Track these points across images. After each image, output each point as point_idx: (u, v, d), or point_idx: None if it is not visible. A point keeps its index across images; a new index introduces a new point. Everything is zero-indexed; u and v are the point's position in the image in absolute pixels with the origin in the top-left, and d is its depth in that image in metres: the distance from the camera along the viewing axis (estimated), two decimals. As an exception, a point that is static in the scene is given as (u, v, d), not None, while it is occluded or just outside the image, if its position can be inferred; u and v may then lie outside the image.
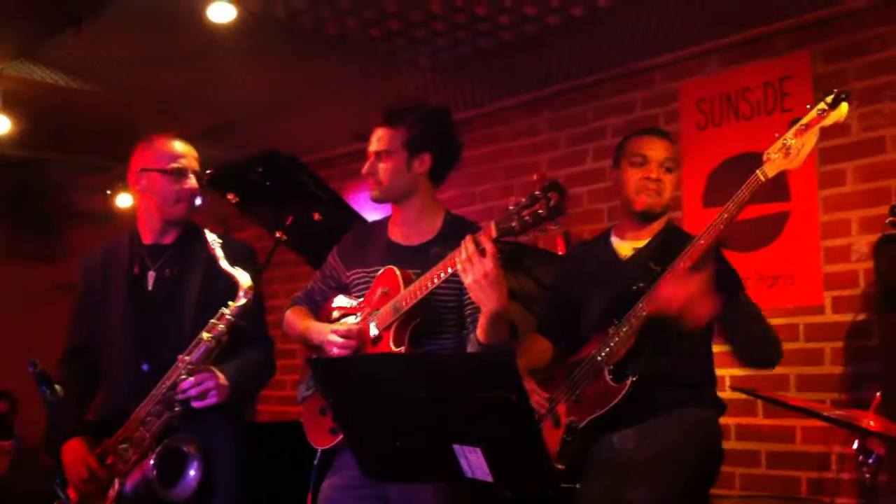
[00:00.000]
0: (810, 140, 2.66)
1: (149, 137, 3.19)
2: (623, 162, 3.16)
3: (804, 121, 2.67)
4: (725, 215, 2.77)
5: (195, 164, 3.16)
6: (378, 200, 3.01)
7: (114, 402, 3.08)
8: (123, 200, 6.59)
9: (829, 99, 2.64)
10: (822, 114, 2.65)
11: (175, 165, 3.10)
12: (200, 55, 4.78)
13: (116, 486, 2.90)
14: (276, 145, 4.63)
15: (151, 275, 3.13)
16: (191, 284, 3.09)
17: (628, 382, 2.90)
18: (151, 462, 2.86)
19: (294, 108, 5.72)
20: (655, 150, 3.10)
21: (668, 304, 2.78)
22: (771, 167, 2.71)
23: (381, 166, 2.94)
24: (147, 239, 3.17)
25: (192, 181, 3.12)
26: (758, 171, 2.72)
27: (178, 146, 3.15)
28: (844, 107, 2.63)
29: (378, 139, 2.95)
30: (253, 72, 5.10)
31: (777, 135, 2.70)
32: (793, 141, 2.67)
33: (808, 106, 2.69)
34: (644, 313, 2.88)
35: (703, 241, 2.80)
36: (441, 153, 2.99)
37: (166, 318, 3.06)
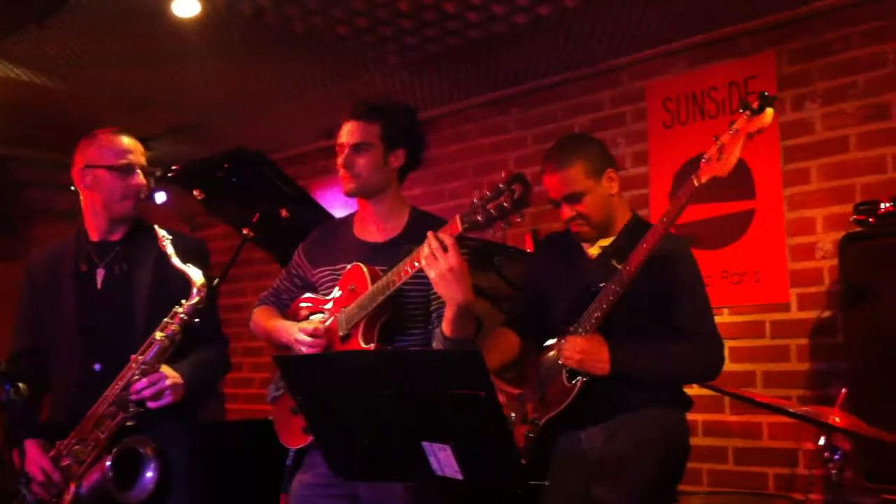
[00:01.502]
0: (737, 147, 2.64)
1: (92, 133, 3.14)
2: None
3: (735, 126, 2.65)
4: (665, 219, 2.78)
5: (142, 160, 3.12)
6: (352, 194, 2.99)
7: (65, 403, 3.01)
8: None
9: (755, 104, 2.62)
10: (750, 119, 2.63)
11: (122, 162, 3.06)
12: (166, 52, 4.74)
13: (73, 488, 2.85)
14: (243, 142, 4.60)
15: (100, 272, 3.09)
16: (141, 282, 3.05)
17: (578, 384, 2.91)
18: (108, 464, 2.82)
19: (261, 105, 5.68)
20: (555, 189, 3.05)
21: (567, 362, 2.90)
22: (704, 172, 2.70)
23: (360, 160, 2.91)
24: (94, 236, 3.13)
25: (139, 177, 3.08)
26: (693, 177, 2.72)
27: (125, 141, 3.10)
28: (769, 112, 2.61)
29: (351, 132, 2.93)
30: (219, 69, 5.06)
31: (715, 137, 2.70)
32: (722, 145, 2.66)
33: (739, 110, 2.67)
34: (596, 315, 2.90)
35: (645, 245, 2.80)
36: (413, 149, 2.99)
37: (117, 317, 3.02)
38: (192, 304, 2.92)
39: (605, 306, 2.87)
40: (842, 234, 3.78)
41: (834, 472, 2.79)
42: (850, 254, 3.66)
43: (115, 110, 5.52)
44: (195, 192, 4.61)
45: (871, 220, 3.62)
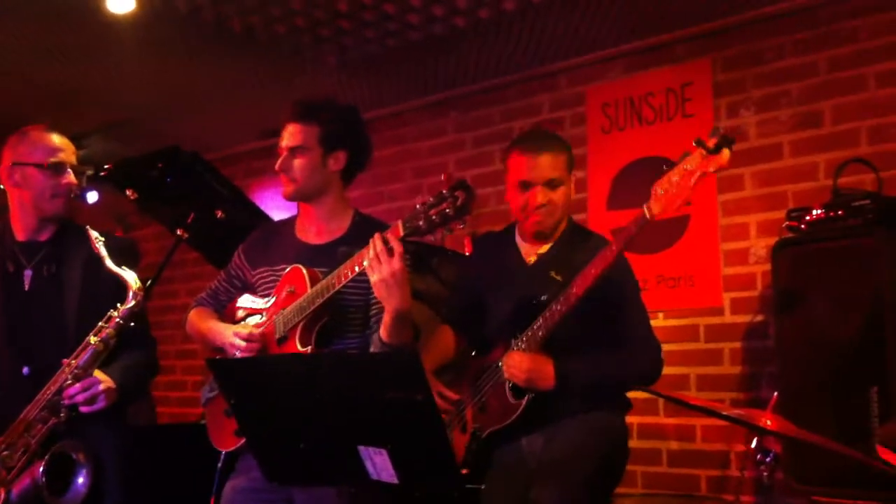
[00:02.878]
0: (690, 187, 2.56)
1: (22, 129, 3.06)
2: (507, 177, 3.07)
3: (688, 164, 2.57)
4: (614, 247, 2.74)
5: (73, 158, 3.05)
6: (291, 198, 2.95)
7: None
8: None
9: (711, 143, 2.53)
10: (705, 158, 2.54)
11: (53, 160, 2.99)
12: (100, 48, 4.65)
13: (2, 494, 2.78)
14: (178, 141, 4.53)
15: (28, 273, 3.01)
16: (72, 284, 2.99)
17: (524, 401, 2.91)
18: (41, 469, 2.75)
19: (197, 104, 5.60)
20: (538, 170, 2.97)
21: (513, 379, 2.90)
22: (656, 205, 2.64)
23: (296, 163, 2.88)
24: (21, 235, 3.05)
25: (70, 176, 3.01)
26: (645, 208, 2.66)
27: (56, 139, 3.03)
28: (726, 153, 2.54)
29: (291, 135, 2.89)
30: (154, 67, 4.97)
31: (665, 167, 2.63)
32: (677, 179, 2.59)
33: (694, 143, 2.57)
34: (540, 334, 2.88)
35: (593, 271, 2.76)
36: (355, 151, 2.96)
37: (46, 320, 2.96)
38: (129, 308, 2.86)
39: (550, 324, 2.85)
40: (774, 239, 3.84)
41: (765, 474, 2.82)
42: (782, 259, 3.72)
43: (46, 106, 5.40)
44: (128, 192, 4.52)
45: (802, 226, 3.68)
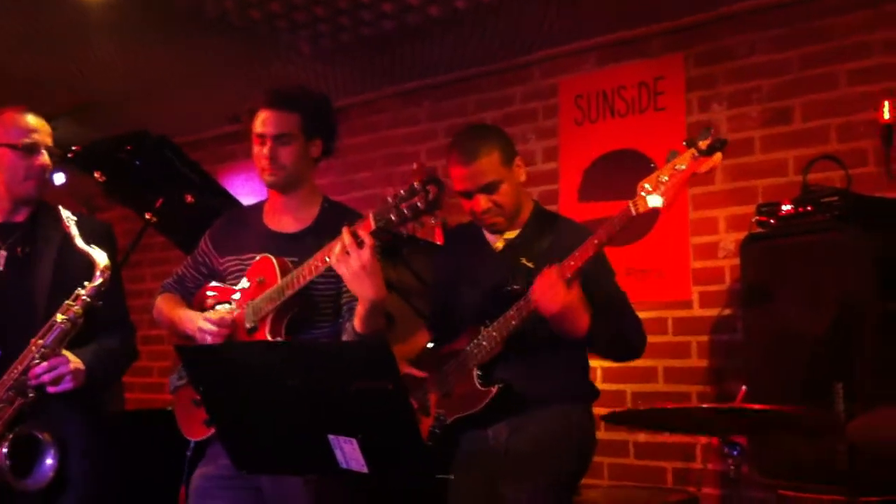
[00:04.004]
0: (680, 187, 2.55)
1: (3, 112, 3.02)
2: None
3: (679, 163, 2.55)
4: (596, 241, 2.69)
5: (48, 140, 3.01)
6: (276, 186, 2.91)
7: None
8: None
9: (704, 145, 2.51)
10: (696, 160, 2.52)
11: (26, 141, 2.94)
12: (67, 31, 4.58)
13: None
14: (147, 125, 4.49)
15: (2, 254, 2.97)
16: (44, 265, 2.95)
17: (494, 390, 2.89)
18: (4, 451, 2.72)
19: (167, 88, 5.54)
20: (472, 179, 2.93)
21: (544, 308, 2.73)
22: (642, 203, 2.59)
23: (285, 151, 2.84)
24: None
25: (44, 157, 2.97)
26: (630, 204, 2.62)
27: (31, 120, 2.99)
28: (718, 156, 2.53)
29: (273, 123, 2.84)
30: (124, 51, 4.91)
31: (653, 165, 2.63)
32: (665, 179, 2.55)
33: (685, 143, 2.55)
34: (514, 322, 2.83)
35: (572, 262, 2.71)
36: (329, 139, 2.95)
37: (17, 301, 2.91)
38: (95, 287, 2.83)
39: (525, 314, 2.81)
40: (743, 234, 3.86)
41: (732, 467, 2.83)
42: (751, 254, 3.75)
43: (13, 87, 5.32)
44: (96, 175, 4.48)
45: (772, 221, 3.70)
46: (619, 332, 2.93)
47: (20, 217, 3.03)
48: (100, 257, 2.86)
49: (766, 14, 4.29)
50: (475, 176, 2.93)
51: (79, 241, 2.86)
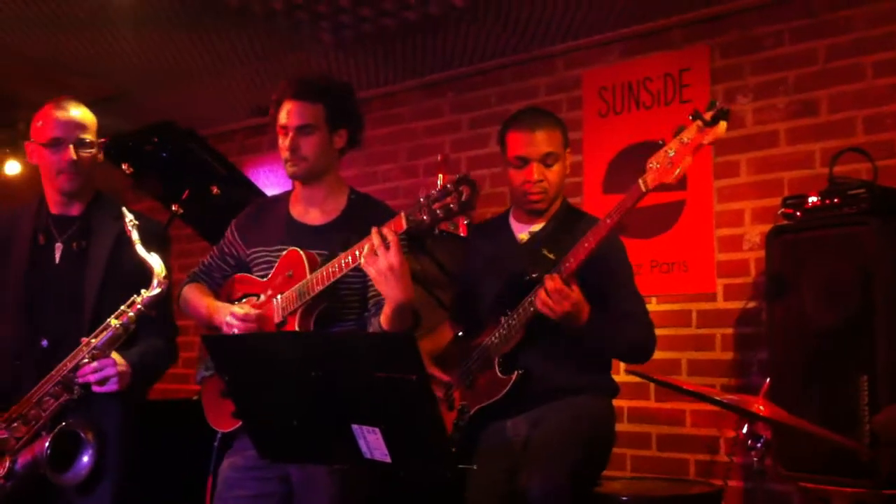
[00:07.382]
0: (687, 158, 2.59)
1: (45, 104, 3.05)
2: (504, 156, 3.11)
3: (686, 136, 2.60)
4: (609, 221, 2.75)
5: (76, 133, 2.99)
6: (298, 177, 2.92)
7: (9, 371, 2.93)
8: (11, 168, 6.35)
9: (709, 116, 2.55)
10: (702, 131, 2.57)
11: (51, 136, 2.97)
12: (90, 20, 4.60)
13: (7, 462, 2.79)
14: (172, 117, 4.49)
15: (59, 247, 3.01)
16: (97, 262, 2.98)
17: (514, 376, 2.91)
18: (46, 444, 2.76)
19: (191, 80, 5.54)
20: (534, 146, 3.02)
21: (547, 312, 2.80)
22: (652, 177, 2.66)
23: (307, 142, 2.84)
24: (54, 209, 3.06)
25: (70, 152, 2.96)
26: (640, 181, 2.69)
27: (58, 114, 3.00)
28: (723, 125, 2.56)
29: (295, 114, 2.84)
30: (147, 40, 4.92)
31: (662, 142, 2.67)
32: (672, 153, 2.61)
33: (690, 116, 2.59)
34: (532, 309, 2.87)
35: (587, 245, 2.77)
36: (354, 129, 2.95)
37: (68, 295, 2.95)
38: (152, 296, 2.86)
39: (531, 311, 2.85)
40: (769, 226, 3.84)
41: (756, 459, 2.83)
42: (777, 246, 3.72)
43: (36, 79, 5.35)
44: (124, 167, 4.50)
45: (798, 213, 3.67)
46: (619, 335, 2.96)
47: (75, 210, 3.06)
48: (158, 266, 2.86)
49: (792, 4, 4.25)
50: (539, 143, 3.02)
51: (139, 249, 2.87)
